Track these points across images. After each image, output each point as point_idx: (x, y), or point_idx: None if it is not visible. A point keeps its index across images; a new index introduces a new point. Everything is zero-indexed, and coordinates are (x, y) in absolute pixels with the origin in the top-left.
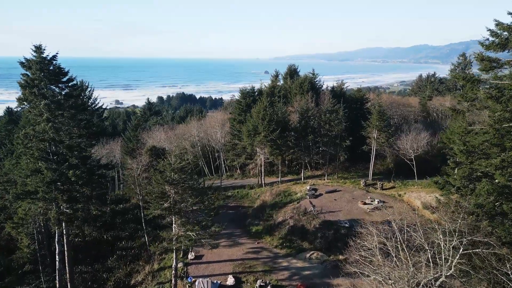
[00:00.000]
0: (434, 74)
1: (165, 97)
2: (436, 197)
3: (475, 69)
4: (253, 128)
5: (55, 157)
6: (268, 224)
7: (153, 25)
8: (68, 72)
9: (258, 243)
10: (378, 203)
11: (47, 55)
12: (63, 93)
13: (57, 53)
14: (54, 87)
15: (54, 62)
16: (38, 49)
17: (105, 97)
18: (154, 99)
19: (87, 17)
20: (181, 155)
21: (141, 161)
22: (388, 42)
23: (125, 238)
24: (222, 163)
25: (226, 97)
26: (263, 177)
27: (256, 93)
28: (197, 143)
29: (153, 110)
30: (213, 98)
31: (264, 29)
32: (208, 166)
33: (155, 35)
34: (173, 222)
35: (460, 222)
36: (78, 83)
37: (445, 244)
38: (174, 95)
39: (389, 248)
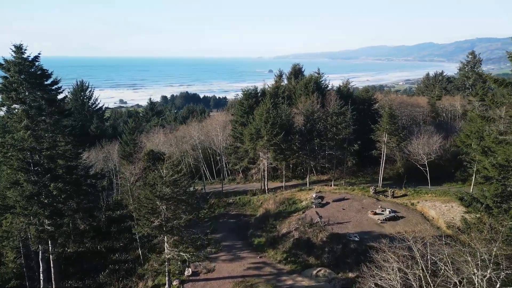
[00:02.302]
0: (442, 72)
1: (169, 96)
2: (463, 217)
3: (484, 67)
4: (256, 132)
5: (36, 168)
6: (271, 236)
7: (155, 24)
8: (51, 74)
9: (260, 257)
10: (389, 213)
11: (29, 56)
12: (46, 97)
13: (39, 53)
14: (36, 91)
15: (37, 63)
16: (18, 49)
17: (112, 97)
18: (158, 99)
19: (87, 17)
20: (173, 167)
21: (135, 169)
22: (392, 40)
23: (119, 249)
24: (224, 166)
25: (230, 96)
26: (266, 182)
27: (259, 93)
28: (198, 145)
29: (155, 110)
30: (217, 98)
31: (267, 28)
32: (209, 169)
33: (158, 34)
34: (165, 241)
35: (495, 251)
36: (78, 83)
37: (478, 277)
38: (178, 94)
39: (410, 278)
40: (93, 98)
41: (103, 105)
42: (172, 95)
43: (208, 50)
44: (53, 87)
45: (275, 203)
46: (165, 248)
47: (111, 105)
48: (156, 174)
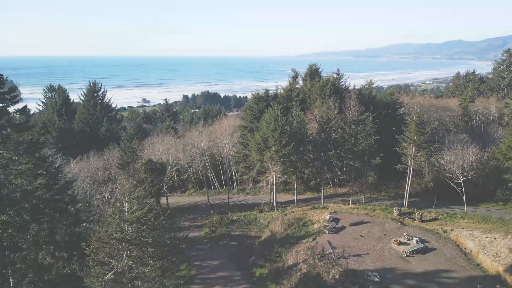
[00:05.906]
0: (474, 71)
1: (190, 95)
2: None
3: None
4: (263, 141)
5: None
6: (276, 266)
7: (181, 24)
8: (6, 80)
9: None
10: (417, 243)
11: None
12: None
13: None
14: None
15: None
16: None
17: (141, 96)
18: (180, 98)
19: (116, 17)
20: (138, 200)
21: (116, 188)
22: (419, 38)
23: None
24: (233, 175)
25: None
26: (275, 197)
27: (271, 97)
28: (205, 152)
29: (171, 111)
30: (237, 97)
31: (291, 26)
32: (217, 178)
33: (183, 33)
34: None
35: None
36: (91, 84)
37: None
38: (199, 93)
39: None
40: (106, 99)
41: (115, 106)
42: (193, 94)
43: (234, 49)
44: (10, 96)
45: (283, 224)
46: None
47: (134, 104)
48: (116, 209)
